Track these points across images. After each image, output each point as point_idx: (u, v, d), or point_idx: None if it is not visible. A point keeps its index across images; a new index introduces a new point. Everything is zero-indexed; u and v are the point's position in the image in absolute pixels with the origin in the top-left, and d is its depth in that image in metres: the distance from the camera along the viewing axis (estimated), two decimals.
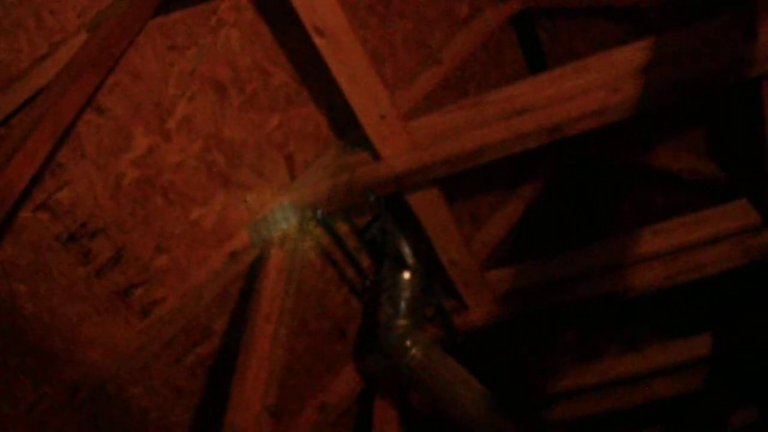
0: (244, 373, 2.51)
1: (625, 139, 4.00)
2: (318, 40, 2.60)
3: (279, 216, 3.03)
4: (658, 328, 4.35)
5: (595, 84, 2.64)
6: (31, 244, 2.39)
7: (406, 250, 3.31)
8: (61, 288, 2.52)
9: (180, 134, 2.68)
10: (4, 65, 2.19)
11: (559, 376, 4.11)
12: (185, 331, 2.92)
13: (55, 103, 2.14)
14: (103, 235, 2.58)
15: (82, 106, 2.28)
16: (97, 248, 2.57)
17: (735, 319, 3.86)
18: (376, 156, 2.93)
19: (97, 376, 2.71)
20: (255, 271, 2.95)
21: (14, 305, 2.41)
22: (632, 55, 2.67)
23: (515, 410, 3.19)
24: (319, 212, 3.06)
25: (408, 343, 3.17)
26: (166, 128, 2.64)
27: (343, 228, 3.30)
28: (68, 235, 2.48)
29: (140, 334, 2.79)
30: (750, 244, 3.15)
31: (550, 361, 4.61)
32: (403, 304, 3.27)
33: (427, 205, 3.10)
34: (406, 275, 3.32)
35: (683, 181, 3.91)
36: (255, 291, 2.81)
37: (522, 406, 4.16)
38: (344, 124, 3.19)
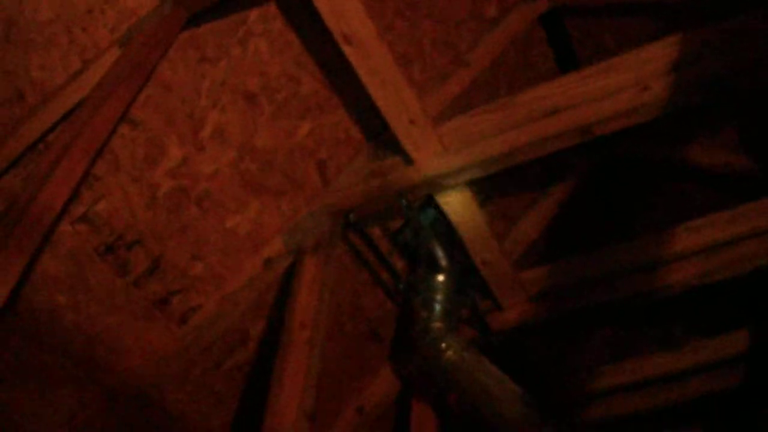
0: (281, 379, 2.53)
1: (657, 135, 3.97)
2: (346, 48, 2.61)
3: (312, 222, 3.06)
4: (695, 325, 4.32)
5: (625, 83, 2.63)
6: (70, 257, 2.44)
7: (439, 253, 3.32)
8: (100, 298, 2.56)
9: (213, 144, 2.72)
10: (39, 82, 2.23)
11: (595, 375, 4.08)
12: (222, 338, 2.96)
13: (91, 119, 2.18)
14: (140, 246, 2.62)
15: (116, 120, 2.31)
16: (135, 258, 2.62)
17: None
18: (407, 160, 2.94)
19: (138, 383, 2.75)
20: (290, 277, 2.98)
21: (55, 316, 2.46)
22: (662, 52, 2.64)
23: (551, 410, 3.19)
24: (352, 217, 3.08)
25: (443, 345, 3.18)
26: (199, 139, 2.67)
27: (376, 232, 3.32)
28: (106, 247, 2.52)
29: (179, 341, 2.82)
30: None
31: (585, 360, 4.60)
32: (437, 307, 3.28)
33: (458, 207, 3.11)
34: (440, 277, 3.33)
35: (717, 178, 3.88)
36: (290, 297, 2.83)
37: (557, 406, 4.15)
38: (375, 128, 3.20)
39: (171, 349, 2.81)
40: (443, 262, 3.33)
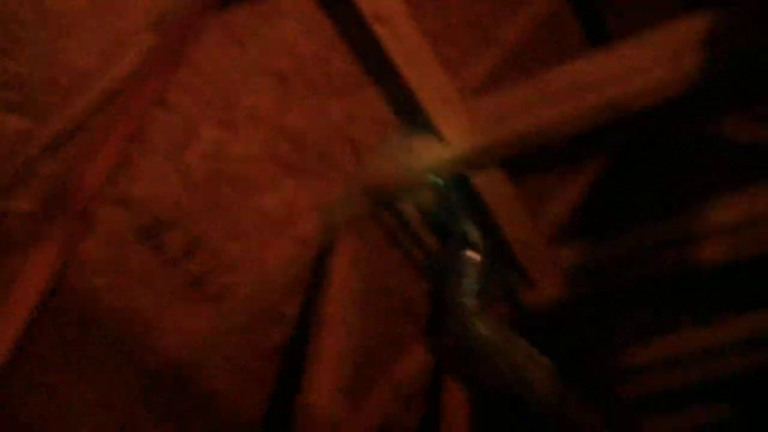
0: (317, 356, 2.56)
1: (691, 109, 3.93)
2: (377, 27, 2.61)
3: (346, 201, 3.08)
4: (731, 301, 4.29)
5: (658, 58, 2.59)
6: (108, 239, 2.48)
7: (472, 230, 3.32)
8: (137, 280, 2.60)
9: (246, 125, 2.74)
10: (74, 68, 2.25)
11: (629, 351, 4.08)
12: (258, 317, 2.99)
13: (126, 102, 2.21)
14: (176, 227, 2.65)
15: (151, 104, 2.34)
16: (171, 240, 2.65)
17: None
18: (439, 139, 2.93)
19: (175, 363, 2.80)
20: (324, 256, 3.00)
21: (93, 298, 2.50)
22: (695, 26, 2.59)
23: (585, 387, 3.20)
24: (384, 195, 3.09)
25: (475, 322, 3.19)
26: (233, 120, 2.69)
27: (408, 209, 3.33)
28: (143, 229, 2.56)
29: (215, 320, 2.86)
30: None
31: (619, 337, 4.59)
32: (469, 284, 3.28)
33: (491, 185, 3.11)
34: (472, 255, 3.33)
35: (753, 152, 3.84)
36: (325, 275, 2.86)
37: (591, 383, 4.15)
38: (406, 107, 3.20)
39: (208, 328, 2.85)
40: (475, 240, 3.33)
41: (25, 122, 2.21)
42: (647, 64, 2.61)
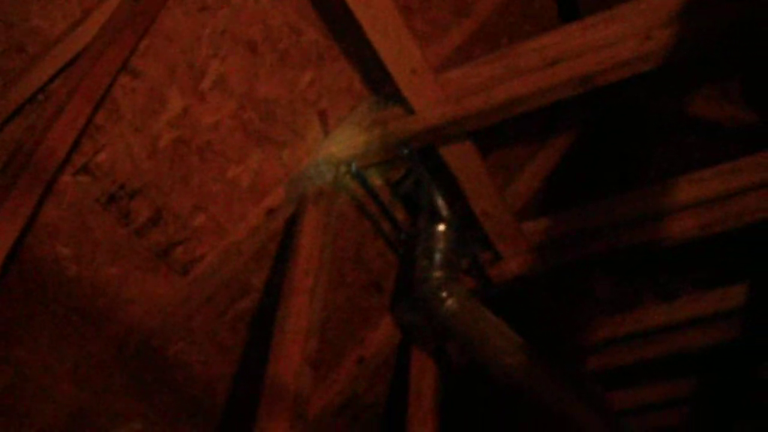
0: (284, 327, 2.56)
1: (661, 86, 3.95)
2: None
3: (314, 172, 3.06)
4: (693, 278, 4.35)
5: (628, 32, 2.61)
6: (72, 207, 2.44)
7: (441, 203, 3.32)
8: (103, 249, 2.57)
9: (214, 94, 2.71)
10: (39, 32, 2.22)
11: (593, 326, 4.12)
12: (225, 287, 2.98)
13: (91, 68, 2.18)
14: (142, 196, 2.62)
15: (117, 70, 2.31)
16: (137, 209, 2.62)
17: None
18: (408, 110, 2.93)
19: (142, 332, 2.78)
20: (292, 226, 2.99)
21: (59, 267, 2.47)
22: (665, 1, 2.62)
23: (551, 360, 3.21)
24: (353, 167, 3.08)
25: (444, 294, 3.19)
26: (201, 89, 2.66)
27: (377, 182, 3.32)
28: (108, 197, 2.53)
29: (182, 291, 2.85)
30: None
31: (584, 311, 4.63)
32: (438, 256, 3.29)
33: (460, 157, 3.11)
34: (441, 227, 3.34)
35: (720, 129, 3.87)
36: (292, 246, 2.85)
37: (559, 357, 4.18)
38: (377, 78, 3.19)
39: (174, 299, 2.83)
40: (444, 213, 3.33)
41: None
42: (617, 37, 2.62)
